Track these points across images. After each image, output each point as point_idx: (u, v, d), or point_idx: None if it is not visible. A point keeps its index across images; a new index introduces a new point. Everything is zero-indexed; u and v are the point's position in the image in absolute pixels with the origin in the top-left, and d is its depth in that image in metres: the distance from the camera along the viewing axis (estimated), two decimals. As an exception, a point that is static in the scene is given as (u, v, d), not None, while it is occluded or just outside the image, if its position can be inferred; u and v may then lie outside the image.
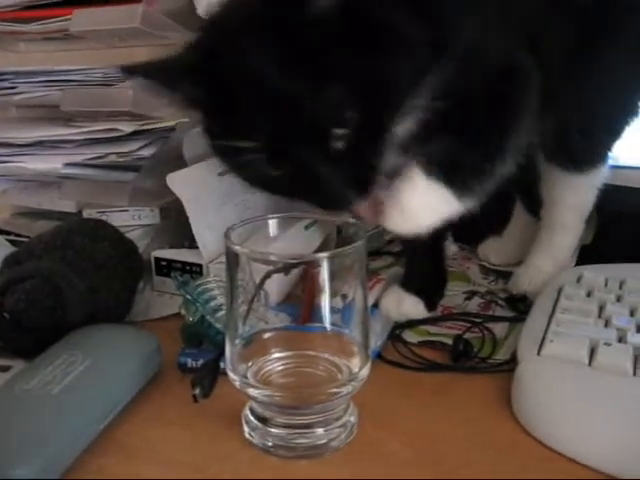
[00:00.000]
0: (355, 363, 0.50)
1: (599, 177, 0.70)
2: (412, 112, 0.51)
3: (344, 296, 0.50)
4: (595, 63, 0.62)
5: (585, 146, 0.67)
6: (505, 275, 0.77)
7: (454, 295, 0.73)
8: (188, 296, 0.61)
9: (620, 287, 0.63)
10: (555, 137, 0.66)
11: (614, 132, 0.69)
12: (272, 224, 0.55)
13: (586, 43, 0.61)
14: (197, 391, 0.51)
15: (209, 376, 0.52)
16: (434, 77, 0.50)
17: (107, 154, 0.75)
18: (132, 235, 0.75)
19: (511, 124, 0.56)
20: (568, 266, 0.71)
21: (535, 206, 0.74)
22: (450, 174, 0.55)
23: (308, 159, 0.48)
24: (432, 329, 0.66)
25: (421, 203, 0.55)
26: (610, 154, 0.70)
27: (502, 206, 0.74)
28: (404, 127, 0.52)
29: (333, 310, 0.49)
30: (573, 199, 0.70)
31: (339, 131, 0.48)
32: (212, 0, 0.74)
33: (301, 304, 0.52)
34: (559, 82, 0.61)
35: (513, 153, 0.56)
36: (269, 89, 0.46)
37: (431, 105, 0.51)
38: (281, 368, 0.52)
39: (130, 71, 0.51)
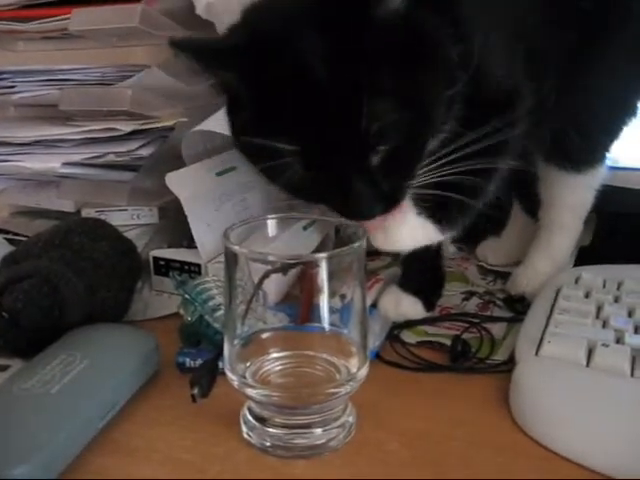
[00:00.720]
0: (353, 363, 0.50)
1: (597, 177, 0.70)
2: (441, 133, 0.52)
3: (342, 296, 0.50)
4: (594, 64, 0.63)
5: (583, 146, 0.67)
6: (503, 276, 0.77)
7: (452, 295, 0.73)
8: (187, 296, 0.61)
9: (618, 288, 0.63)
10: (553, 137, 0.66)
11: (612, 132, 0.69)
12: (271, 224, 0.55)
13: (585, 44, 0.61)
14: (195, 391, 0.51)
15: (207, 376, 0.52)
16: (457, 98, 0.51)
17: (106, 153, 0.75)
18: (130, 234, 0.75)
19: (499, 167, 0.57)
20: (566, 267, 0.72)
21: (533, 207, 0.74)
22: (437, 215, 0.57)
23: (345, 170, 0.48)
24: (430, 329, 0.66)
25: (406, 233, 0.58)
26: (608, 155, 0.70)
27: (500, 207, 0.74)
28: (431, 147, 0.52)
29: (331, 310, 0.49)
30: (571, 199, 0.70)
31: (382, 147, 0.48)
32: (211, 0, 0.75)
33: (299, 304, 0.52)
34: (558, 83, 0.61)
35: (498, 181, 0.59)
36: (319, 89, 0.45)
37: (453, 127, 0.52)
38: (279, 368, 0.52)
39: (181, 47, 0.49)
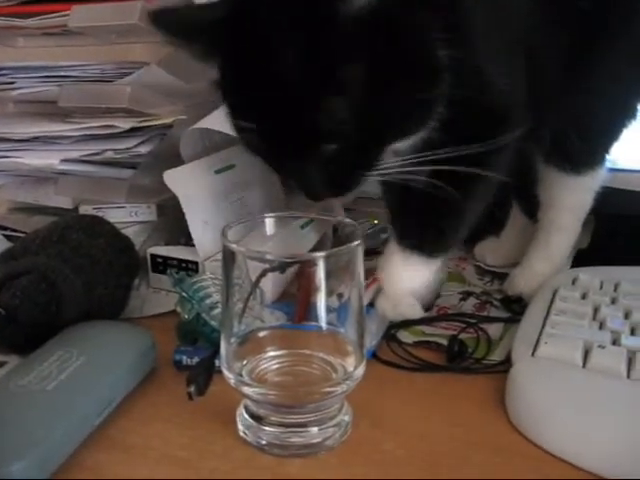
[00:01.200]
0: (350, 362, 0.50)
1: (597, 179, 0.70)
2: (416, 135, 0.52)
3: (340, 295, 0.50)
4: (595, 66, 0.63)
5: (583, 148, 0.67)
6: (500, 276, 0.77)
7: (449, 295, 0.73)
8: (184, 293, 0.61)
9: (615, 289, 0.63)
10: (553, 139, 0.66)
11: (612, 134, 0.69)
12: (268, 223, 0.55)
13: (585, 46, 0.61)
14: (192, 389, 0.51)
15: (204, 374, 0.52)
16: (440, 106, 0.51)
17: (104, 150, 0.75)
18: (128, 232, 0.74)
19: (486, 182, 0.58)
20: (563, 268, 0.72)
21: (532, 208, 0.74)
22: (424, 245, 0.60)
23: (297, 156, 0.49)
24: (427, 329, 0.66)
25: (405, 277, 0.61)
26: (608, 156, 0.70)
27: (499, 207, 0.74)
28: (404, 143, 0.53)
29: (329, 309, 0.49)
30: (570, 200, 0.70)
31: (333, 145, 0.49)
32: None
33: (296, 303, 0.52)
34: (557, 86, 0.61)
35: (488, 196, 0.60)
36: (280, 79, 0.46)
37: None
38: (276, 367, 0.52)
39: (157, 22, 0.51)
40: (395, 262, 0.62)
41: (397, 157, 0.54)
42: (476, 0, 0.53)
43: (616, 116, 0.68)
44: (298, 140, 0.49)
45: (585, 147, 0.67)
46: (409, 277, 0.62)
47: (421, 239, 0.60)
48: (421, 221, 0.60)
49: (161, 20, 0.51)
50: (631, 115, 0.68)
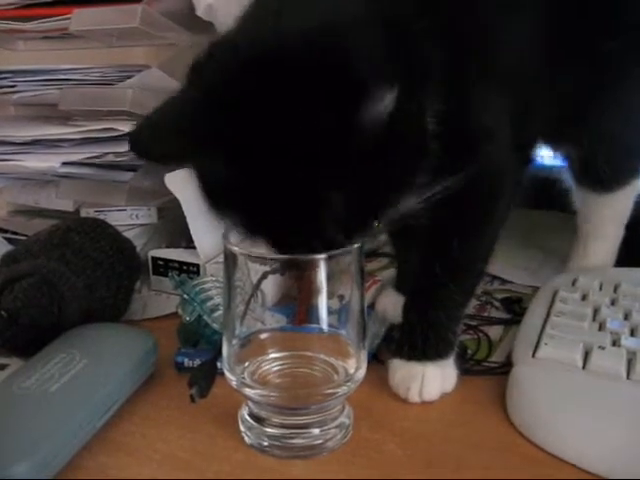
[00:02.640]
0: (351, 364, 0.50)
1: (632, 190, 0.70)
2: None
3: (341, 297, 0.50)
4: (621, 99, 0.63)
5: (613, 173, 0.67)
6: (501, 277, 0.77)
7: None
8: (185, 296, 0.61)
9: (615, 291, 0.63)
10: (582, 167, 0.67)
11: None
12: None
13: (610, 81, 0.61)
14: (194, 391, 0.51)
15: (206, 376, 0.52)
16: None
17: (105, 153, 0.75)
18: (129, 234, 0.75)
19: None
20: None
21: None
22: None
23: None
24: (427, 331, 0.66)
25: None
26: None
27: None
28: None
29: (330, 311, 0.50)
30: (607, 213, 0.71)
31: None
32: (211, 2, 0.75)
33: (298, 305, 0.52)
34: (582, 118, 0.62)
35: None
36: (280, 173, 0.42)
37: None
38: (278, 368, 0.52)
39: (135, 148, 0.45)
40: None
41: None
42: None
43: None
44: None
45: (614, 172, 0.67)
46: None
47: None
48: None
49: (141, 147, 0.45)
50: None
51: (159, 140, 0.44)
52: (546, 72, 0.56)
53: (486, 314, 0.70)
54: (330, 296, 0.49)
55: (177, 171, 0.73)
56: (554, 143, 0.68)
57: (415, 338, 0.55)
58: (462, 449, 0.49)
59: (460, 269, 0.55)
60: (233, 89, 0.42)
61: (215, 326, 0.59)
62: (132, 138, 0.44)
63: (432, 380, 0.54)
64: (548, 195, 0.73)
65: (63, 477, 0.46)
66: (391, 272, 0.75)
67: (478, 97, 0.51)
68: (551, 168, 0.73)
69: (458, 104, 0.48)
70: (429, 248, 0.55)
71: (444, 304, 0.55)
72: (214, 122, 0.42)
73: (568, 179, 0.71)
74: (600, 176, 0.67)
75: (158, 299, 0.74)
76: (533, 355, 0.54)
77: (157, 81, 0.75)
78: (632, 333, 0.55)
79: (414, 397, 0.54)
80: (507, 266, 0.77)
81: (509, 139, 0.53)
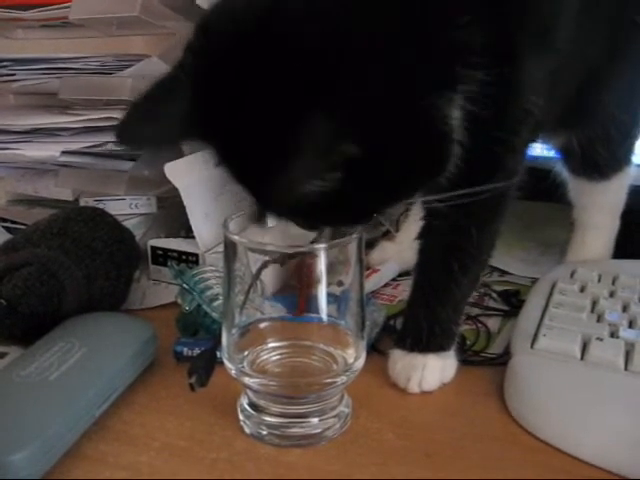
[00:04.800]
0: (350, 354, 0.50)
1: (627, 177, 0.71)
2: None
3: (340, 283, 0.50)
4: (623, 80, 0.63)
5: (610, 157, 0.68)
6: (499, 269, 0.77)
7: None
8: (185, 285, 0.61)
9: (613, 283, 0.63)
10: (578, 154, 0.67)
11: (634, 137, 0.70)
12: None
13: (613, 63, 0.61)
14: (194, 380, 0.51)
15: (206, 365, 0.52)
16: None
17: (105, 142, 0.75)
18: (129, 224, 0.74)
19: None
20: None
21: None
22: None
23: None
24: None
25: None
26: (634, 155, 0.71)
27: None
28: None
29: (329, 301, 0.50)
30: (603, 202, 0.72)
31: None
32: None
33: (297, 294, 0.52)
34: (592, 100, 0.62)
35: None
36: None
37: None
38: (277, 358, 0.52)
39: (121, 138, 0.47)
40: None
41: None
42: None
43: (636, 122, 0.68)
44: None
45: (612, 156, 0.68)
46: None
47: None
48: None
49: (127, 137, 0.47)
50: None
51: (142, 126, 0.45)
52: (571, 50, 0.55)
53: (484, 305, 0.70)
54: (330, 286, 0.49)
55: (177, 160, 0.73)
56: (555, 130, 0.67)
57: (420, 332, 0.55)
58: (460, 439, 0.49)
59: (473, 262, 0.55)
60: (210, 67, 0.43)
61: (214, 315, 0.59)
62: (117, 129, 0.46)
63: (432, 371, 0.54)
64: (546, 187, 0.74)
65: (61, 464, 0.46)
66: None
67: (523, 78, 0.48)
68: (547, 160, 0.73)
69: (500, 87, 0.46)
70: (443, 239, 0.54)
71: (452, 298, 0.55)
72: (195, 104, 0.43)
73: (563, 171, 0.72)
74: (597, 162, 0.68)
75: (157, 289, 0.74)
76: (532, 346, 0.54)
77: (157, 70, 0.74)
78: (630, 325, 0.56)
79: (414, 387, 0.54)
80: (505, 258, 0.77)
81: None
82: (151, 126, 0.45)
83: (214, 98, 0.43)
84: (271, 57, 0.40)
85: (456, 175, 0.47)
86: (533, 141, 0.59)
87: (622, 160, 0.70)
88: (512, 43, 0.46)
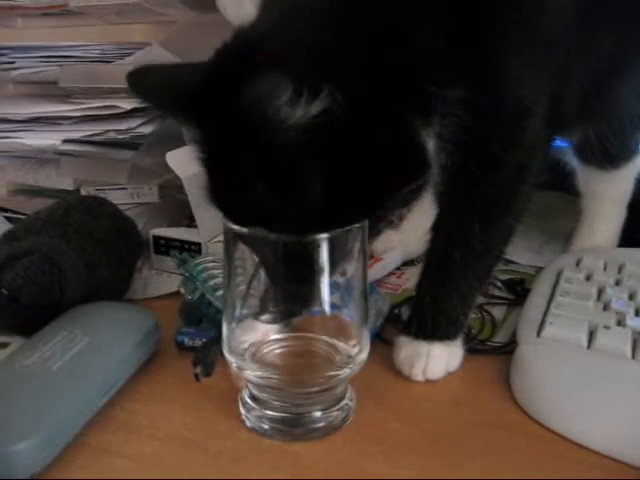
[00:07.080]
0: (354, 345, 0.50)
1: (635, 167, 0.72)
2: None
3: (343, 273, 0.49)
4: (630, 67, 0.62)
5: (623, 147, 0.69)
6: (505, 258, 0.76)
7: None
8: (188, 274, 0.61)
9: (619, 271, 0.63)
10: (594, 145, 0.68)
11: None
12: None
13: (632, 57, 0.61)
14: (199, 370, 0.50)
15: (211, 355, 0.51)
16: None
17: (106, 131, 0.75)
18: (130, 213, 0.74)
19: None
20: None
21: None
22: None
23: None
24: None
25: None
26: None
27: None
28: None
29: (332, 292, 0.49)
30: (612, 191, 0.73)
31: None
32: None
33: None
34: (600, 96, 0.61)
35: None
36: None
37: None
38: (279, 350, 0.51)
39: (132, 85, 0.49)
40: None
41: None
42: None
43: None
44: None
45: (623, 145, 0.69)
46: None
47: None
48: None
49: (139, 84, 0.49)
50: None
51: (155, 80, 0.48)
52: (583, 41, 0.54)
53: (489, 294, 0.69)
54: (332, 275, 0.48)
55: (179, 149, 0.72)
56: (575, 125, 0.67)
57: (425, 320, 0.55)
58: (466, 428, 0.49)
59: (477, 257, 0.54)
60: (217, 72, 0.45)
61: (218, 305, 0.58)
62: (131, 72, 0.48)
63: (437, 359, 0.54)
64: (552, 176, 0.73)
65: (64, 454, 0.46)
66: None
67: (517, 73, 0.49)
68: (555, 149, 0.73)
69: (492, 85, 0.48)
70: (450, 232, 0.54)
71: (457, 289, 0.54)
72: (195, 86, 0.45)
73: (572, 159, 0.72)
74: (609, 152, 0.68)
75: (159, 278, 0.74)
76: (538, 334, 0.54)
77: (158, 58, 0.74)
78: (637, 313, 0.55)
79: (417, 375, 0.54)
80: (511, 246, 0.76)
81: (545, 120, 0.53)
82: (163, 85, 0.48)
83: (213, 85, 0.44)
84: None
85: (454, 175, 0.49)
86: (553, 138, 0.59)
87: (633, 150, 0.71)
88: (487, 48, 0.47)
